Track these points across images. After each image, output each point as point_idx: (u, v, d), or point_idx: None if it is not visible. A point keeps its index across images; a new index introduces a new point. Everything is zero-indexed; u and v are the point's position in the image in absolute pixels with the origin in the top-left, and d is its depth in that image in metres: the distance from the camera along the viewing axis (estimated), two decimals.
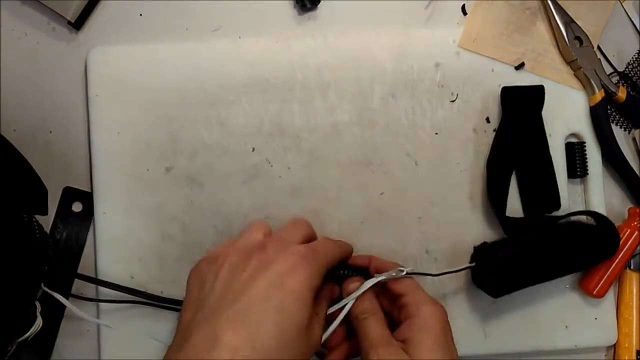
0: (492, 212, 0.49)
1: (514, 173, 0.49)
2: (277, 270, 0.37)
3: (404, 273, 0.42)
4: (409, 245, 0.49)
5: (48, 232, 0.49)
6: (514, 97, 0.49)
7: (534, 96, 0.49)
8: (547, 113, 0.50)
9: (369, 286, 0.42)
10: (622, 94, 0.51)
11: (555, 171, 0.50)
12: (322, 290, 0.41)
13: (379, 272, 0.43)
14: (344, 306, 0.42)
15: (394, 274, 0.42)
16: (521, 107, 0.49)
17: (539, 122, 0.49)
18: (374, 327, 0.40)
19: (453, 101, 0.50)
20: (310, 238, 0.44)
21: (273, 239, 0.41)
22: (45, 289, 0.43)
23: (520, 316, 0.49)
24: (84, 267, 0.49)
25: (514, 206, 0.49)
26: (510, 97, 0.49)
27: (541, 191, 0.49)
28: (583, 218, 0.49)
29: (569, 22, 0.50)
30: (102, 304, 0.48)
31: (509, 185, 0.49)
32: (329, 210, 0.49)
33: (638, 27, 0.53)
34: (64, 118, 0.50)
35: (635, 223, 0.49)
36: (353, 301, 0.42)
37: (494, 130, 0.50)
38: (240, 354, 0.33)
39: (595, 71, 0.50)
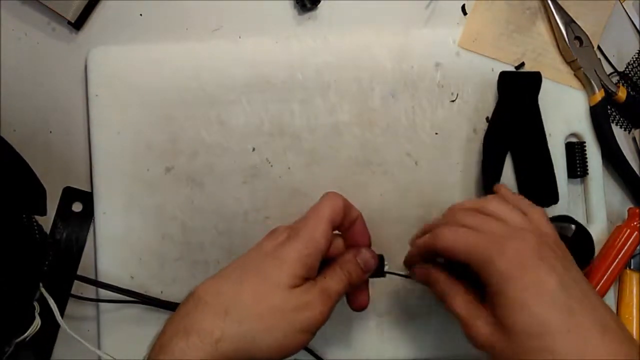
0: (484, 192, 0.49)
1: (513, 170, 0.50)
2: (267, 243, 0.39)
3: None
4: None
5: (48, 232, 0.49)
6: (511, 81, 0.50)
7: (530, 82, 0.50)
8: (547, 113, 0.50)
9: None
10: (622, 94, 0.51)
11: (555, 171, 0.50)
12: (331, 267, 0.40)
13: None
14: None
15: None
16: (518, 92, 0.49)
17: (536, 109, 0.50)
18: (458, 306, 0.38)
19: (453, 101, 0.50)
20: (340, 210, 0.41)
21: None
22: (43, 290, 0.43)
23: None
24: (83, 267, 0.49)
25: None
26: (508, 82, 0.50)
27: (538, 184, 0.49)
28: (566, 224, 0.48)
29: (569, 22, 0.50)
30: (102, 304, 0.48)
31: (501, 169, 0.49)
32: None
33: (638, 27, 0.53)
34: (64, 118, 0.50)
35: (635, 223, 0.49)
36: None
37: (487, 128, 0.50)
38: (205, 301, 0.36)
39: (595, 71, 0.50)
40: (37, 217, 0.43)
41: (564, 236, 0.47)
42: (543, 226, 0.39)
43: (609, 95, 0.51)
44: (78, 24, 0.50)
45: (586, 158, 0.50)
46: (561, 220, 0.48)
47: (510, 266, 0.34)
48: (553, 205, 0.50)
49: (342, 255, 0.41)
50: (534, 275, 0.34)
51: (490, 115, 0.50)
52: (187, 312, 0.37)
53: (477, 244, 0.36)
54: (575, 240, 0.47)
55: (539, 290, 0.34)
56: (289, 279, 0.37)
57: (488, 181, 0.49)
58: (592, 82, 0.50)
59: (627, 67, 0.53)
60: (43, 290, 0.43)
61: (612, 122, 0.52)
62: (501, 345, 0.34)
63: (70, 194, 0.50)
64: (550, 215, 0.49)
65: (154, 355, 0.35)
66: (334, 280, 0.39)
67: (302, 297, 0.37)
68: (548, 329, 0.33)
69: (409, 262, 0.44)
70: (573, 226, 0.47)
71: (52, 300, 0.43)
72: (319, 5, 0.51)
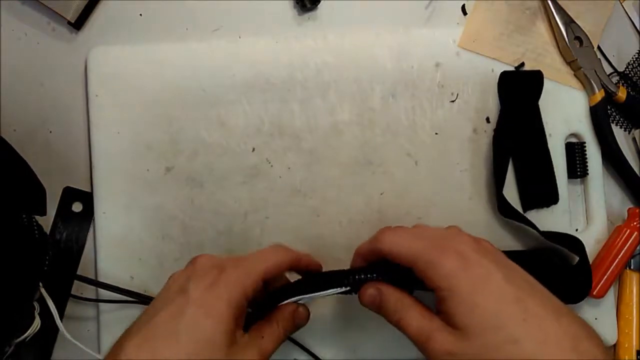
0: (491, 211, 0.49)
1: (513, 170, 0.50)
2: (194, 287, 0.36)
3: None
4: None
5: (48, 232, 0.49)
6: (512, 82, 0.50)
7: (532, 82, 0.50)
8: (547, 113, 0.50)
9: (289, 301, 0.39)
10: (622, 94, 0.51)
11: (555, 171, 0.50)
12: (269, 319, 0.39)
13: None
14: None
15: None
16: (519, 92, 0.49)
17: (536, 109, 0.50)
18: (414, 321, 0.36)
19: (453, 101, 0.50)
20: (283, 266, 0.39)
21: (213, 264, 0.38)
22: (43, 291, 0.42)
23: None
24: (84, 267, 0.49)
25: (514, 203, 0.49)
26: (509, 82, 0.50)
27: (538, 184, 0.49)
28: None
29: (569, 22, 0.50)
30: (102, 304, 0.48)
31: (506, 168, 0.49)
32: (329, 210, 0.49)
33: (638, 27, 0.53)
34: (64, 118, 0.50)
35: (635, 223, 0.49)
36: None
37: (494, 130, 0.50)
38: None
39: (595, 71, 0.50)
40: (37, 217, 0.43)
41: (565, 261, 0.47)
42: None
43: (609, 95, 0.51)
44: (78, 24, 0.50)
45: (586, 158, 0.50)
46: (565, 245, 0.48)
47: (455, 265, 0.34)
48: (553, 206, 0.50)
49: (280, 311, 0.39)
50: (479, 271, 0.34)
51: (489, 116, 0.50)
52: None
53: (419, 246, 0.36)
54: (575, 271, 0.46)
55: (487, 284, 0.33)
56: (226, 337, 0.34)
57: (496, 175, 0.49)
58: (592, 82, 0.50)
59: (627, 67, 0.53)
60: (43, 291, 0.43)
61: (612, 122, 0.52)
62: (463, 350, 0.33)
63: (70, 194, 0.50)
64: (550, 218, 0.49)
65: None
66: (272, 339, 0.38)
67: None
68: (504, 321, 0.32)
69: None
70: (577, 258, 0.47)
71: (52, 302, 0.43)
72: (319, 5, 0.51)
